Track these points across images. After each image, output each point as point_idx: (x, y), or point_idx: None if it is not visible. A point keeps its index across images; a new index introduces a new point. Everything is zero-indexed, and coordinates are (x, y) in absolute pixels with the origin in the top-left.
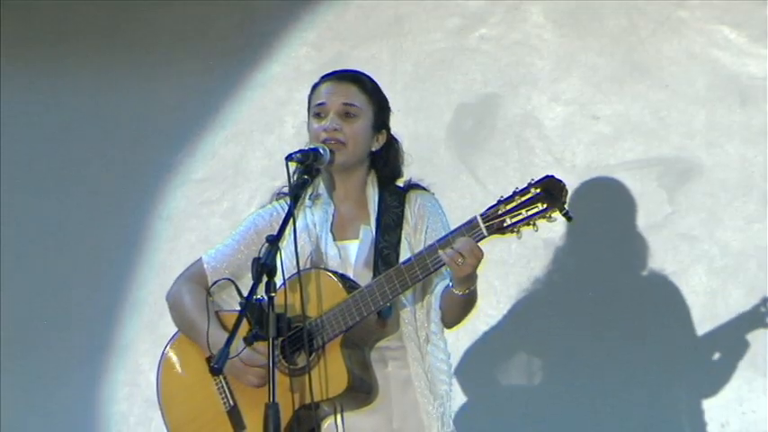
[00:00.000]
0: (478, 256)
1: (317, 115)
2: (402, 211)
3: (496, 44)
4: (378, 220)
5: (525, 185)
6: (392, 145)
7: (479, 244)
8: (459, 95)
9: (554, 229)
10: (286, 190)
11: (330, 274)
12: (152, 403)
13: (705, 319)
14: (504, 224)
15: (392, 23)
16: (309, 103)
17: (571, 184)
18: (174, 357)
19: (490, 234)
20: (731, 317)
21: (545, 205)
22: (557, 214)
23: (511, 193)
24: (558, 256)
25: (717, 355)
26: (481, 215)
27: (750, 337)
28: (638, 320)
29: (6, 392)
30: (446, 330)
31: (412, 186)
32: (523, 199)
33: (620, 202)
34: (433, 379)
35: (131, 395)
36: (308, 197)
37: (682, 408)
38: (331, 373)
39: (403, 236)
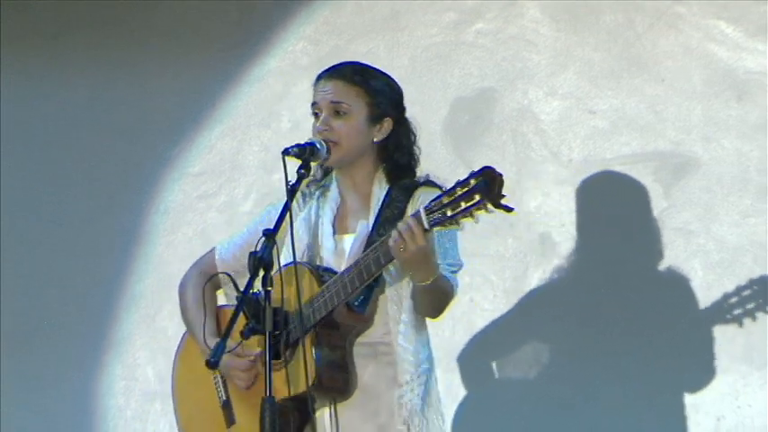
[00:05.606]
0: (418, 241)
1: (315, 114)
2: (404, 207)
3: (493, 39)
4: (378, 214)
5: (466, 177)
6: (398, 131)
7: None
8: (456, 90)
9: (550, 223)
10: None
11: (306, 267)
12: (149, 397)
13: (701, 314)
14: (446, 215)
15: (389, 18)
16: None
17: (567, 179)
18: (187, 352)
19: (432, 226)
20: (727, 311)
21: (480, 197)
22: (492, 206)
23: (453, 185)
24: (553, 250)
25: (712, 350)
26: (425, 207)
27: (745, 331)
28: (634, 315)
29: (4, 386)
30: (440, 322)
31: (424, 183)
32: (463, 191)
33: (615, 196)
34: (397, 367)
35: (128, 389)
36: (317, 189)
37: (677, 402)
38: (302, 368)
39: None
